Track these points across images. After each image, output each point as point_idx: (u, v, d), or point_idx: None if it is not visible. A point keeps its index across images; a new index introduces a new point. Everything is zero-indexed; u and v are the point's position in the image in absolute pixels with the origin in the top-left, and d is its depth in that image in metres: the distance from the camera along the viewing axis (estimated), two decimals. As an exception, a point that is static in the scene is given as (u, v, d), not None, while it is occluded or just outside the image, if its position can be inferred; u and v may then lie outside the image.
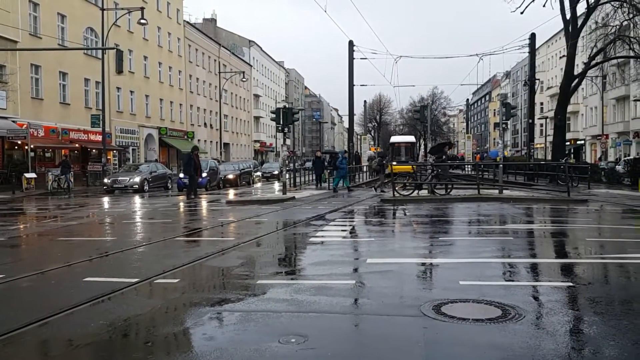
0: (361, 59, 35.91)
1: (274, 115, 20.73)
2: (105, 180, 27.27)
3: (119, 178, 26.93)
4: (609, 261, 7.29)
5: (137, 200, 21.65)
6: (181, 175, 28.26)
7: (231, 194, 24.71)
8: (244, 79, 59.51)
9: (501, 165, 19.41)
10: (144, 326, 4.90)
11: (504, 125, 20.52)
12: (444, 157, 19.71)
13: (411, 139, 48.76)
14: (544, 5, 26.69)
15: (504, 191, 19.13)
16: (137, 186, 26.20)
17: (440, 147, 19.70)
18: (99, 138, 31.71)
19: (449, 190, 19.08)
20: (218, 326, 4.76)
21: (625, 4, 24.00)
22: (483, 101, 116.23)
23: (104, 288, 5.95)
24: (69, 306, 5.25)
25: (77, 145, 33.20)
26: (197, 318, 4.92)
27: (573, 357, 3.91)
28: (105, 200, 22.00)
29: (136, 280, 6.38)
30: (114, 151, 37.38)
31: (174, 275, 6.75)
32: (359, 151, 43.77)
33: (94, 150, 34.82)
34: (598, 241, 9.12)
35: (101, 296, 5.65)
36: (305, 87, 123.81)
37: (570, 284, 6.05)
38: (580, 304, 5.38)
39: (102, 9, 30.45)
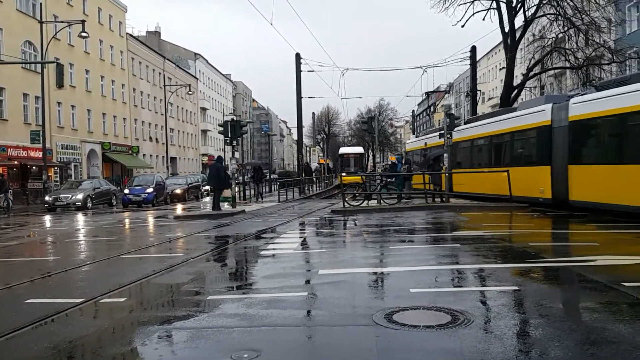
0: (308, 71, 36.15)
1: (221, 129, 20.53)
2: (47, 198, 26.37)
3: (61, 195, 26.11)
4: (552, 264, 7.55)
5: (80, 217, 20.99)
6: (126, 191, 27.67)
7: (179, 208, 24.27)
8: (190, 92, 58.85)
9: (448, 174, 19.86)
10: (90, 347, 4.72)
11: (448, 136, 20.97)
12: (441, 164, 20.10)
13: (360, 150, 49.44)
14: (483, 19, 27.42)
15: (451, 199, 19.59)
16: (79, 203, 25.47)
17: (439, 156, 20.16)
18: (40, 154, 30.60)
19: (444, 198, 19.39)
20: (168, 345, 4.65)
21: (560, 17, 25.09)
22: (428, 112, 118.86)
23: (47, 309, 5.72)
24: (10, 329, 5.03)
25: (16, 162, 31.90)
26: (145, 337, 4.79)
27: (521, 359, 4.01)
28: (47, 218, 21.22)
29: (81, 300, 6.17)
30: (55, 168, 36.12)
31: (120, 294, 6.56)
32: (309, 162, 43.88)
33: (34, 167, 33.56)
34: (541, 245, 9.43)
35: (44, 318, 5.43)
36: (253, 100, 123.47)
37: (516, 288, 6.23)
38: (526, 307, 5.54)
39: (41, 22, 29.51)
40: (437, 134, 23.43)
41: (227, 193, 23.83)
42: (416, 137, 35.52)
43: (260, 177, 28.52)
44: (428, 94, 34.25)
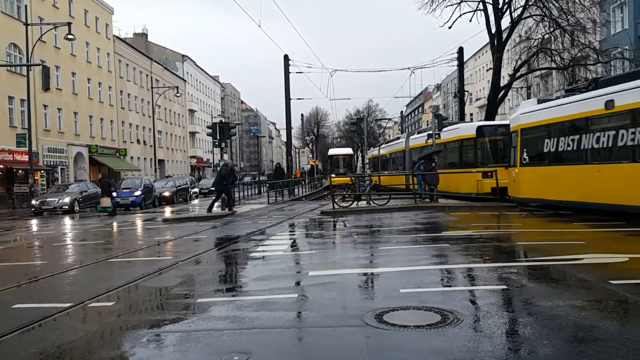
0: (297, 72, 36.14)
1: (210, 131, 20.48)
2: (33, 201, 26.13)
3: (48, 199, 25.87)
4: (540, 263, 7.61)
5: (68, 221, 20.83)
6: (114, 194, 27.46)
7: (168, 211, 24.16)
8: (178, 94, 58.52)
9: (437, 175, 19.87)
10: (78, 352, 4.69)
11: (436, 136, 21.05)
12: (433, 164, 19.67)
13: (349, 151, 49.68)
14: (470, 20, 27.54)
15: (439, 199, 19.65)
16: (67, 207, 25.26)
17: (430, 155, 19.78)
18: (26, 158, 30.29)
19: (435, 197, 19.32)
20: (157, 348, 4.62)
21: (546, 18, 25.28)
22: (416, 113, 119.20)
23: (34, 314, 5.67)
24: (-4, 335, 4.97)
25: (1, 166, 31.59)
26: (135, 341, 4.76)
27: (510, 358, 4.04)
28: (34, 222, 21.03)
29: (69, 305, 6.12)
30: (42, 171, 35.79)
31: (108, 298, 6.52)
32: (280, 164, 43.67)
33: (20, 171, 33.20)
34: (528, 244, 9.50)
35: (32, 323, 5.38)
36: (242, 102, 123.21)
37: (505, 287, 6.26)
38: (515, 306, 5.57)
39: (26, 24, 29.25)
40: (377, 148, 38.86)
41: (105, 202, 23.06)
42: (374, 147, 49.18)
43: (232, 181, 21.57)
44: (377, 120, 45.31)
